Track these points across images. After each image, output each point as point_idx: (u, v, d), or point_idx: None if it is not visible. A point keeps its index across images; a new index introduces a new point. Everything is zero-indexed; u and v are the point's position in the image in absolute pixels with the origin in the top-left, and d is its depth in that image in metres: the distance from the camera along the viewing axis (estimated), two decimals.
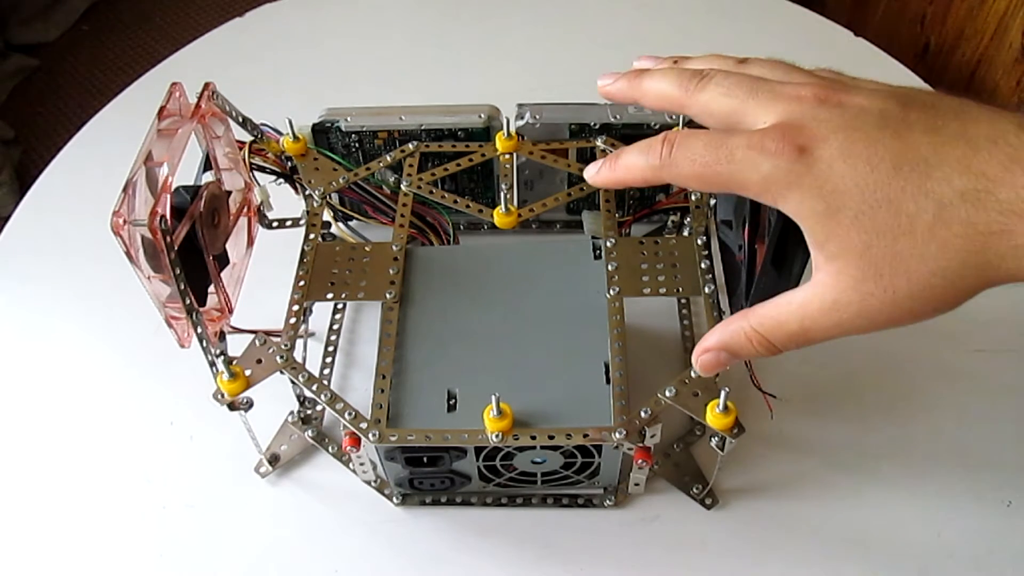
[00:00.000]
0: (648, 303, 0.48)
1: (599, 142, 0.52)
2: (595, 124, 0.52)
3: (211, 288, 0.45)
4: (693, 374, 0.41)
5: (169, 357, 0.52)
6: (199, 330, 0.42)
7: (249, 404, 0.43)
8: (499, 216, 0.48)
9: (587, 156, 0.53)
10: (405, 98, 0.55)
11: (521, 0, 0.85)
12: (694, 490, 0.48)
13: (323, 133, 0.54)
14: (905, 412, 0.52)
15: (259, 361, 0.43)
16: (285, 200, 0.54)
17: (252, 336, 0.44)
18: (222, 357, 0.44)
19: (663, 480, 0.48)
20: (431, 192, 0.51)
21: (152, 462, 0.51)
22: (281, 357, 0.43)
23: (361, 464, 0.46)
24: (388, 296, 0.46)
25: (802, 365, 0.53)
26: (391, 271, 0.47)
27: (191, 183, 0.44)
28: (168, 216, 0.38)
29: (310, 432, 0.49)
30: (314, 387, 0.43)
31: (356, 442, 0.42)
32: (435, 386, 0.43)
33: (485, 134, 0.54)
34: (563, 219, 0.60)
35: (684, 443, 0.50)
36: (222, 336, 0.45)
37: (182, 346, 0.43)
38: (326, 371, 0.54)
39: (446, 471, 0.44)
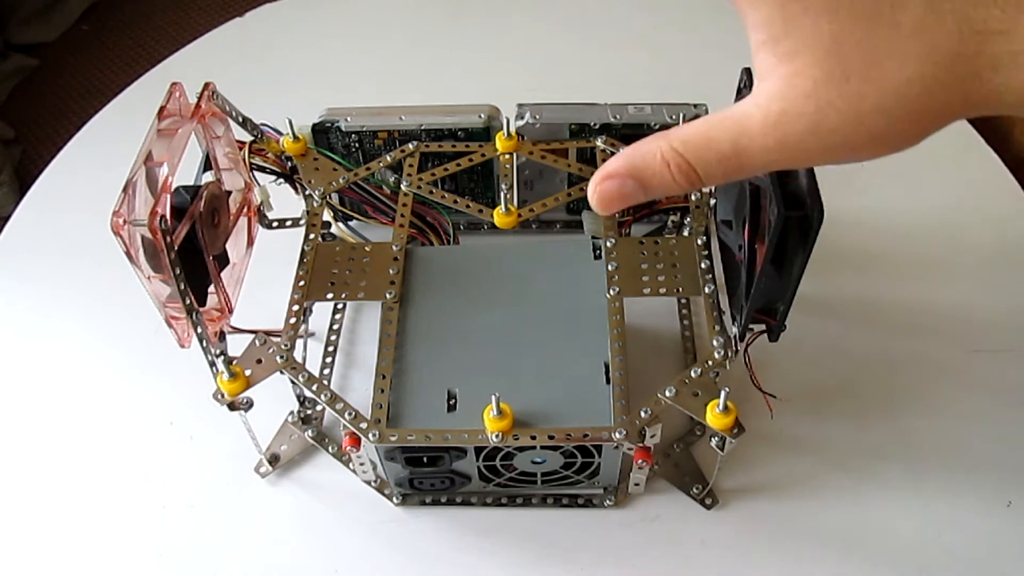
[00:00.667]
0: (648, 303, 0.48)
1: (599, 142, 0.52)
2: (595, 124, 0.52)
3: (211, 288, 0.45)
4: (693, 374, 0.41)
5: (169, 357, 0.52)
6: (199, 330, 0.42)
7: (249, 404, 0.43)
8: (499, 216, 0.48)
9: (587, 156, 0.53)
10: (405, 98, 0.55)
11: (521, 0, 0.85)
12: (694, 490, 0.48)
13: (323, 133, 0.54)
14: (905, 412, 0.52)
15: (259, 361, 0.43)
16: (285, 200, 0.54)
17: (252, 336, 0.44)
18: (222, 357, 0.44)
19: (663, 480, 0.48)
20: (431, 192, 0.51)
21: (152, 462, 0.51)
22: (281, 357, 0.43)
23: (361, 464, 0.46)
24: (388, 296, 0.46)
25: (802, 365, 0.53)
26: (391, 271, 0.47)
27: (191, 183, 0.44)
28: (168, 216, 0.38)
29: (310, 432, 0.49)
30: (314, 387, 0.43)
31: (356, 442, 0.42)
32: (435, 386, 0.43)
33: (485, 134, 0.54)
34: (563, 219, 0.60)
35: (684, 443, 0.50)
36: (222, 336, 0.45)
37: (182, 346, 0.43)
38: (326, 371, 0.54)
39: (446, 471, 0.44)
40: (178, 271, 0.39)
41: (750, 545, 0.46)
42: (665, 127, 0.51)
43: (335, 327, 0.56)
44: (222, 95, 0.46)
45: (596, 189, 0.28)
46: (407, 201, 0.51)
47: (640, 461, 0.41)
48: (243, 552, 0.47)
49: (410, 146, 0.53)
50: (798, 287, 0.39)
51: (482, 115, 0.53)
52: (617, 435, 0.40)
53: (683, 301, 0.56)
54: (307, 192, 0.52)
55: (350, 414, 0.41)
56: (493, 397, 0.39)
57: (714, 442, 0.41)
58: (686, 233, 0.53)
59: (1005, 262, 0.59)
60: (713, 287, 0.45)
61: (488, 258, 0.49)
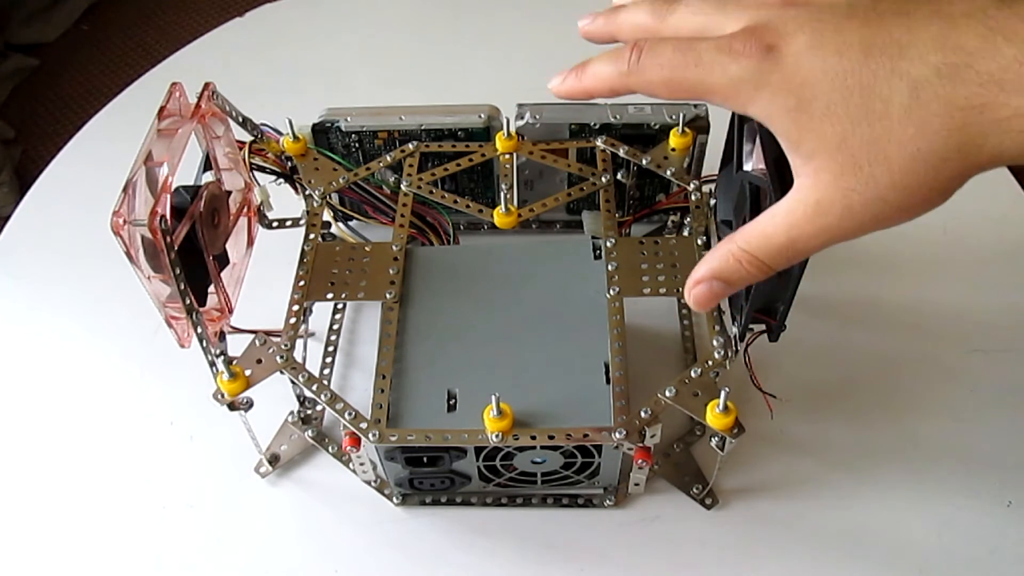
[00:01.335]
0: (648, 303, 0.48)
1: (599, 142, 0.52)
2: (595, 124, 0.52)
3: (211, 288, 0.45)
4: (693, 374, 0.41)
5: (169, 357, 0.52)
6: (199, 330, 0.42)
7: (249, 404, 0.43)
8: (499, 216, 0.48)
9: (587, 156, 0.53)
10: (405, 98, 0.55)
11: (521, 0, 0.85)
12: (694, 490, 0.48)
13: (323, 133, 0.54)
14: (905, 412, 0.52)
15: (259, 361, 0.43)
16: (285, 200, 0.54)
17: (252, 336, 0.44)
18: (222, 357, 0.44)
19: (663, 480, 0.48)
20: (431, 192, 0.51)
21: (152, 462, 0.51)
22: (281, 357, 0.43)
23: (361, 464, 0.46)
24: (388, 296, 0.46)
25: (802, 365, 0.53)
26: (391, 271, 0.47)
27: (191, 183, 0.44)
28: (168, 216, 0.38)
29: (310, 432, 0.49)
30: (314, 387, 0.43)
31: (356, 442, 0.42)
32: (435, 386, 0.43)
33: (485, 134, 0.54)
34: (563, 219, 0.60)
35: (684, 443, 0.50)
36: (222, 336, 0.45)
37: (182, 346, 0.43)
38: (326, 371, 0.54)
39: (446, 471, 0.44)
40: (178, 271, 0.39)
41: (750, 545, 0.46)
42: (665, 127, 0.51)
43: (335, 327, 0.56)
44: (222, 95, 0.46)
45: (690, 295, 0.33)
46: (407, 201, 0.51)
47: (640, 461, 0.41)
48: (243, 552, 0.47)
49: (410, 146, 0.53)
50: (798, 287, 0.39)
51: (482, 115, 0.53)
52: (617, 435, 0.40)
53: (683, 301, 0.56)
54: (307, 192, 0.52)
55: (350, 414, 0.41)
56: (493, 397, 0.39)
57: (714, 442, 0.41)
58: (686, 233, 0.53)
59: (1005, 262, 0.59)
60: None
61: (488, 258, 0.49)
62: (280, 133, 0.51)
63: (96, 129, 0.74)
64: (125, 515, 0.49)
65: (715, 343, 0.43)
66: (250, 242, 0.51)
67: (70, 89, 1.55)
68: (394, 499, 0.48)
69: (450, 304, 0.47)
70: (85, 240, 0.61)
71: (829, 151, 0.28)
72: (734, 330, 0.44)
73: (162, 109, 0.42)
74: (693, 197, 0.50)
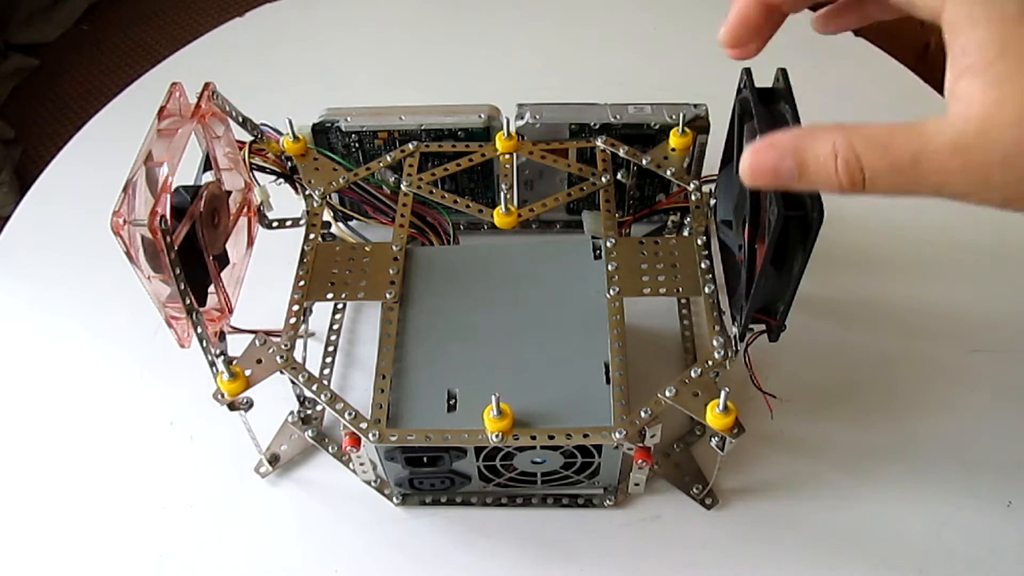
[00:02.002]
0: (648, 303, 0.48)
1: (599, 142, 0.52)
2: (595, 124, 0.52)
3: (211, 288, 0.45)
4: (693, 373, 0.41)
5: (169, 357, 0.52)
6: (199, 330, 0.42)
7: (249, 404, 0.43)
8: (499, 216, 0.48)
9: (587, 156, 0.53)
10: (405, 98, 0.55)
11: (521, 0, 0.85)
12: (694, 490, 0.48)
13: (323, 133, 0.54)
14: (905, 412, 0.52)
15: (259, 361, 0.43)
16: (285, 200, 0.53)
17: (252, 336, 0.44)
18: (222, 357, 0.44)
19: (663, 480, 0.48)
20: (431, 192, 0.51)
21: (152, 462, 0.51)
22: (281, 357, 0.43)
23: (361, 464, 0.46)
24: (388, 296, 0.46)
25: (802, 365, 0.53)
26: (391, 271, 0.47)
27: (191, 183, 0.44)
28: (168, 216, 0.38)
29: (310, 432, 0.49)
30: (314, 387, 0.43)
31: (356, 442, 0.42)
32: (435, 386, 0.43)
33: (485, 134, 0.54)
34: (563, 219, 0.60)
35: (684, 443, 0.50)
36: (222, 336, 0.45)
37: (182, 346, 0.43)
38: (326, 371, 0.54)
39: (446, 471, 0.44)
40: (178, 271, 0.39)
41: (750, 545, 0.46)
42: (665, 127, 0.51)
43: (335, 327, 0.56)
44: (222, 95, 0.46)
45: (753, 154, 0.26)
46: (407, 201, 0.51)
47: (640, 461, 0.41)
48: (243, 552, 0.47)
49: (410, 146, 0.53)
50: (798, 287, 0.39)
51: (482, 115, 0.53)
52: (617, 435, 0.40)
53: (683, 301, 0.56)
54: (307, 192, 0.52)
55: (350, 414, 0.41)
56: (493, 397, 0.39)
57: (714, 442, 0.41)
58: (686, 233, 0.53)
59: (1005, 262, 0.59)
60: (713, 287, 0.45)
61: (488, 258, 0.49)
62: (280, 133, 0.51)
63: (96, 129, 0.74)
64: (125, 515, 0.49)
65: (715, 343, 0.43)
66: (250, 242, 0.51)
67: (70, 89, 1.55)
68: (394, 499, 0.48)
69: (450, 304, 0.46)
70: (85, 240, 0.61)
71: None
72: (734, 330, 0.44)
73: (162, 109, 0.42)
74: (693, 197, 0.50)
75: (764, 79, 0.41)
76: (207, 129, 0.45)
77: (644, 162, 0.50)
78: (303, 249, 0.49)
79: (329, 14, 0.84)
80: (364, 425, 0.41)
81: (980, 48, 0.23)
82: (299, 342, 0.45)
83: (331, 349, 0.55)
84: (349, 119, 0.53)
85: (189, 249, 0.42)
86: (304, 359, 0.48)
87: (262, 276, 0.50)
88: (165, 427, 0.53)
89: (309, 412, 0.50)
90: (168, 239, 0.38)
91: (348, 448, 0.42)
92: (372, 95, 0.57)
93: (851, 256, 0.59)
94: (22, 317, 0.60)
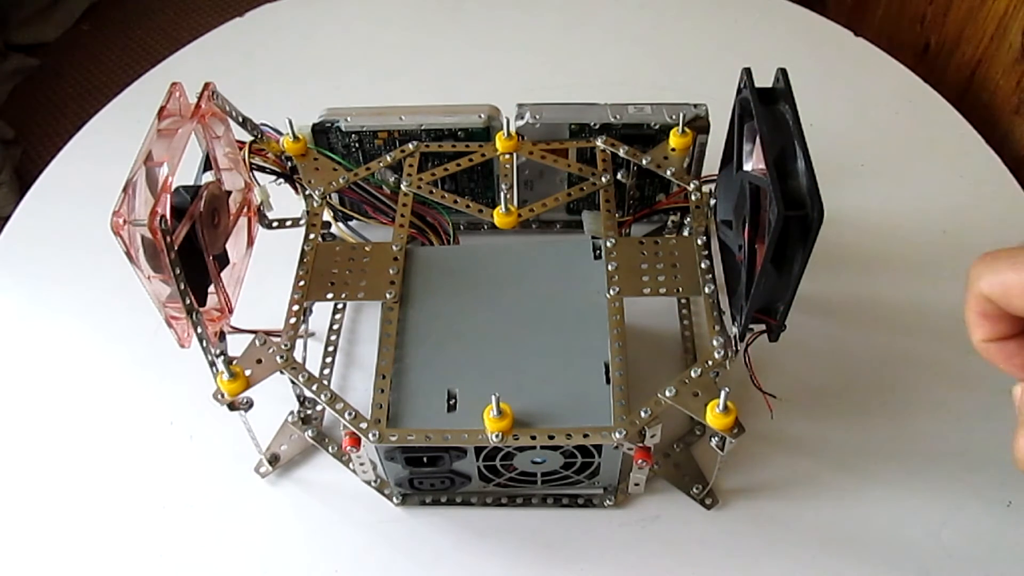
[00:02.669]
0: (648, 303, 0.48)
1: (599, 142, 0.52)
2: (595, 124, 0.52)
3: (211, 288, 0.45)
4: (693, 373, 0.41)
5: (169, 357, 0.52)
6: (199, 330, 0.42)
7: (249, 404, 0.43)
8: (499, 216, 0.48)
9: (587, 156, 0.53)
10: (405, 98, 0.55)
11: (521, 0, 0.85)
12: (694, 490, 0.48)
13: (323, 133, 0.54)
14: (905, 412, 0.52)
15: (259, 361, 0.43)
16: (285, 200, 0.54)
17: (252, 336, 0.44)
18: (222, 357, 0.44)
19: (663, 480, 0.48)
20: (431, 192, 0.51)
21: (152, 462, 0.51)
22: (281, 357, 0.43)
23: (361, 464, 0.46)
24: (388, 296, 0.46)
25: (802, 365, 0.53)
26: (391, 271, 0.47)
27: (191, 183, 0.44)
28: (168, 216, 0.38)
29: (310, 432, 0.49)
30: (314, 387, 0.43)
31: (356, 442, 0.42)
32: (435, 386, 0.43)
33: (485, 134, 0.54)
34: (563, 219, 0.60)
35: (684, 443, 0.50)
36: (222, 336, 0.45)
37: (182, 346, 0.43)
38: (326, 371, 0.54)
39: (446, 471, 0.44)
40: (178, 271, 0.39)
41: (750, 545, 0.46)
42: (665, 127, 0.51)
43: (335, 327, 0.56)
44: (222, 95, 0.46)
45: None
46: (407, 201, 0.51)
47: (640, 461, 0.41)
48: (243, 552, 0.47)
49: (410, 146, 0.53)
50: (798, 287, 0.39)
51: (482, 115, 0.53)
52: (617, 435, 0.40)
53: (683, 301, 0.56)
54: (307, 192, 0.52)
55: (350, 414, 0.41)
56: (493, 397, 0.39)
57: (714, 442, 0.41)
58: (686, 233, 0.53)
59: None
60: (713, 287, 0.45)
61: (488, 258, 0.49)
62: (280, 133, 0.51)
63: (96, 129, 0.74)
64: (125, 515, 0.49)
65: (715, 343, 0.43)
66: (250, 242, 0.51)
67: (70, 89, 1.55)
68: (394, 499, 0.48)
69: (450, 304, 0.46)
70: (85, 240, 0.61)
71: None
72: (734, 330, 0.44)
73: (162, 109, 0.42)
74: (693, 197, 0.50)
75: (764, 79, 0.41)
76: (207, 129, 0.45)
77: (644, 162, 0.50)
78: (303, 249, 0.49)
79: (329, 14, 0.85)
80: (364, 425, 0.41)
81: None
82: (299, 342, 0.45)
83: (331, 349, 0.55)
84: (349, 119, 0.53)
85: (189, 249, 0.42)
86: (304, 359, 0.48)
87: (262, 276, 0.50)
88: (165, 427, 0.53)
89: (309, 412, 0.50)
90: (168, 239, 0.38)
91: (348, 448, 0.42)
92: (372, 95, 0.57)
93: (851, 256, 0.59)
94: (22, 317, 0.60)
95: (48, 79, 1.57)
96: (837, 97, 0.71)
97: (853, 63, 0.76)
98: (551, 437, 0.40)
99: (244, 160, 0.50)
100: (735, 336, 0.44)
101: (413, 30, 0.83)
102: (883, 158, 0.67)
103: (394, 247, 0.48)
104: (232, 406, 0.43)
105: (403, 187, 0.51)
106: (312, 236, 0.49)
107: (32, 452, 0.52)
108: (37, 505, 0.50)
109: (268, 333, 0.45)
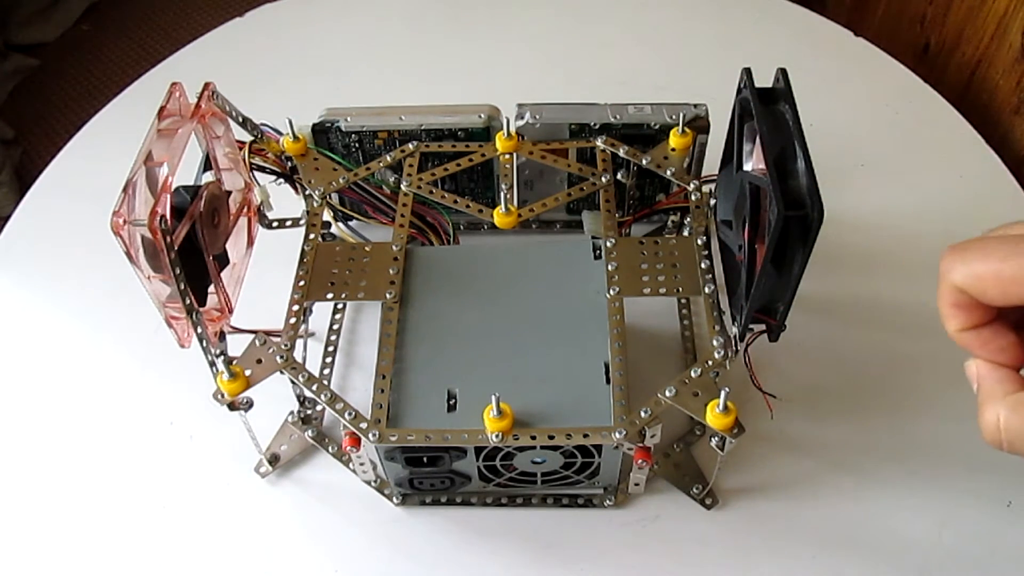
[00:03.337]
0: (648, 303, 0.48)
1: (599, 142, 0.52)
2: (595, 124, 0.52)
3: (211, 288, 0.45)
4: (693, 373, 0.41)
5: (169, 357, 0.52)
6: (199, 330, 0.42)
7: (249, 404, 0.43)
8: (499, 216, 0.48)
9: (587, 156, 0.53)
10: (405, 98, 0.55)
11: (521, 0, 0.85)
12: (694, 490, 0.48)
13: (323, 133, 0.54)
14: (905, 412, 0.52)
15: (259, 361, 0.43)
16: (285, 200, 0.54)
17: (252, 336, 0.44)
18: (222, 357, 0.44)
19: (663, 480, 0.48)
20: (431, 192, 0.51)
21: (152, 462, 0.51)
22: (281, 357, 0.43)
23: (361, 464, 0.46)
24: (388, 296, 0.46)
25: (802, 365, 0.53)
26: (391, 271, 0.47)
27: (191, 183, 0.44)
28: (168, 216, 0.38)
29: (310, 432, 0.49)
30: (314, 387, 0.43)
31: (356, 442, 0.42)
32: (435, 386, 0.43)
33: (485, 134, 0.54)
34: (563, 219, 0.60)
35: (684, 443, 0.50)
36: (222, 336, 0.45)
37: (182, 346, 0.43)
38: (326, 371, 0.54)
39: (446, 471, 0.44)
40: (178, 271, 0.39)
41: (750, 545, 0.46)
42: (665, 127, 0.51)
43: (335, 327, 0.56)
44: (222, 95, 0.46)
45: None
46: (407, 201, 0.51)
47: (640, 461, 0.41)
48: (243, 552, 0.47)
49: (410, 146, 0.53)
50: (798, 287, 0.39)
51: (482, 115, 0.53)
52: (617, 435, 0.40)
53: (683, 301, 0.56)
54: (307, 192, 0.52)
55: (350, 414, 0.41)
56: (493, 397, 0.39)
57: (714, 442, 0.41)
58: (686, 233, 0.53)
59: None
60: (713, 287, 0.45)
61: (488, 258, 0.49)
62: (280, 133, 0.51)
63: (96, 129, 0.74)
64: (125, 515, 0.49)
65: (715, 343, 0.43)
66: (250, 242, 0.51)
67: (70, 89, 1.55)
68: (394, 499, 0.48)
69: (450, 304, 0.46)
70: (85, 240, 0.61)
71: None
72: (734, 330, 0.44)
73: (162, 109, 0.42)
74: (693, 197, 0.50)
75: (764, 79, 0.41)
76: (207, 129, 0.45)
77: (644, 162, 0.50)
78: (303, 249, 0.49)
79: (329, 14, 0.85)
80: (364, 425, 0.41)
81: None
82: (299, 342, 0.45)
83: (331, 349, 0.55)
84: (349, 119, 0.53)
85: (189, 249, 0.42)
86: (304, 359, 0.48)
87: (262, 276, 0.50)
88: (165, 427, 0.53)
89: (309, 412, 0.50)
90: (168, 239, 0.38)
91: (348, 448, 0.42)
92: (372, 95, 0.57)
93: (851, 256, 0.59)
94: (22, 317, 0.60)
95: (48, 79, 1.57)
96: (837, 97, 0.71)
97: (853, 63, 0.76)
98: (551, 437, 0.40)
99: (244, 160, 0.50)
100: (735, 336, 0.44)
101: (413, 30, 0.83)
102: (883, 158, 0.67)
103: (394, 247, 0.48)
104: (232, 406, 0.43)
105: (403, 187, 0.51)
106: (312, 236, 0.49)
107: (32, 452, 0.52)
108: (37, 505, 0.50)
109: (268, 333, 0.45)
